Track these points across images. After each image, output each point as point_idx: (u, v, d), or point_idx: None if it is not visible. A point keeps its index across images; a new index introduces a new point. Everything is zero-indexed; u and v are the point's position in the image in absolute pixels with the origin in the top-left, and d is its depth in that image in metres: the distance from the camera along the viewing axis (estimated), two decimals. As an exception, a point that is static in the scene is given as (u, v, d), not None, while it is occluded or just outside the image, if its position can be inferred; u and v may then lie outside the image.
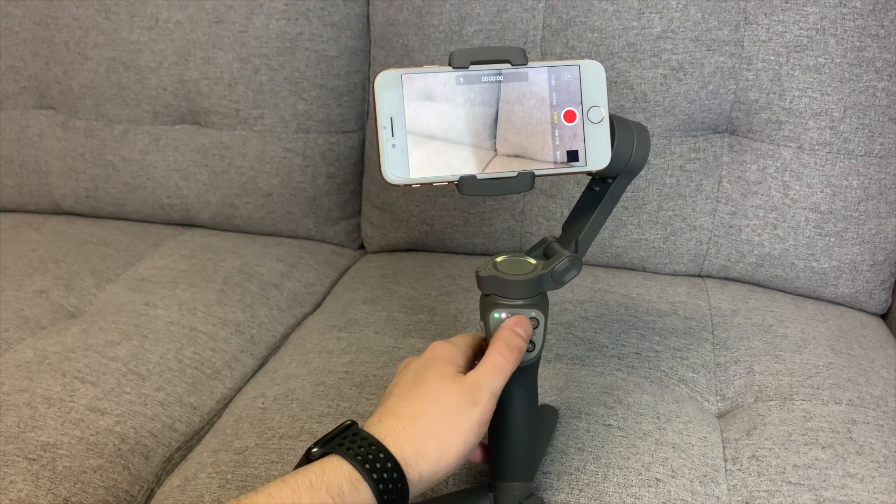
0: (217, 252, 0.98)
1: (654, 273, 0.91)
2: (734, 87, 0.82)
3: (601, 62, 0.50)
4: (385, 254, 1.00)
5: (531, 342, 0.51)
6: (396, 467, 0.43)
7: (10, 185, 1.08)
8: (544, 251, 0.54)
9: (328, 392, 0.68)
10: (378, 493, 0.42)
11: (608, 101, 0.49)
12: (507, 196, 0.90)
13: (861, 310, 0.86)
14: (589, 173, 0.50)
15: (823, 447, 0.61)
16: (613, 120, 0.50)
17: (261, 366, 0.82)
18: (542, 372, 0.71)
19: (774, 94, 0.81)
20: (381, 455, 0.43)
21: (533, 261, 0.52)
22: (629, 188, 0.86)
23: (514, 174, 0.48)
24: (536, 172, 0.48)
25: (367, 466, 0.42)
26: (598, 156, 0.49)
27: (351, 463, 0.42)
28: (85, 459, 0.64)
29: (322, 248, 1.03)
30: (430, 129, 0.47)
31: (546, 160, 0.49)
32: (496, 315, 0.51)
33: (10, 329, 0.81)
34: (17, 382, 0.71)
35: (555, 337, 0.76)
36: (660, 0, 0.80)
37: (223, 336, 0.82)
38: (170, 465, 0.68)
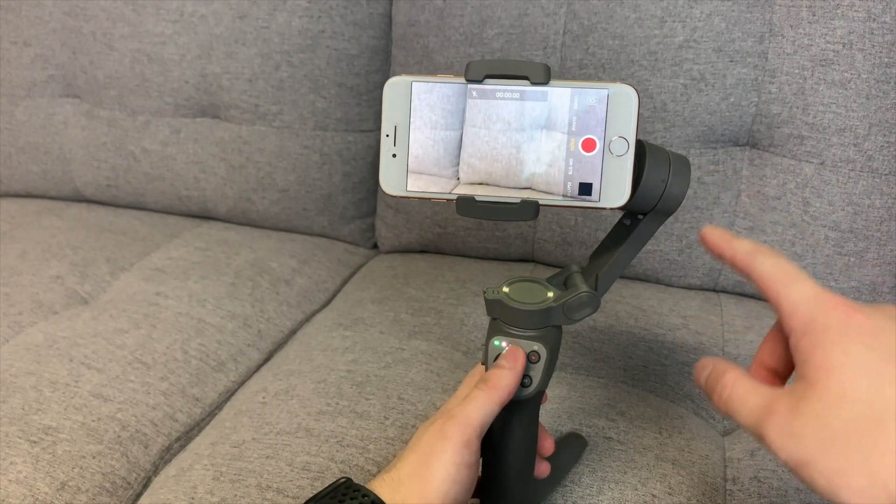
0: (231, 246, 0.98)
1: (668, 286, 0.89)
2: (756, 99, 0.80)
3: (634, 87, 0.44)
4: (397, 254, 1.00)
5: (528, 377, 0.48)
6: None
7: (34, 171, 1.10)
8: (565, 281, 0.50)
9: (328, 390, 0.68)
10: None
11: (637, 130, 0.44)
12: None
13: (880, 333, 0.84)
14: (601, 210, 0.45)
15: (829, 472, 0.60)
16: (647, 149, 0.46)
17: (266, 360, 0.82)
18: (546, 380, 0.70)
19: (798, 108, 0.79)
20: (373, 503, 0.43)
21: (549, 291, 0.48)
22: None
23: (517, 202, 0.44)
24: (541, 202, 0.45)
25: None
26: (614, 192, 0.44)
27: None
28: (85, 444, 0.65)
29: (335, 246, 1.03)
30: (434, 142, 0.45)
31: (554, 190, 0.45)
32: (496, 343, 0.48)
33: (23, 312, 0.82)
34: (26, 365, 0.72)
35: (561, 346, 0.75)
36: (683, 9, 0.79)
37: (231, 329, 0.82)
38: (168, 454, 0.68)
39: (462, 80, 0.44)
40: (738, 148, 0.83)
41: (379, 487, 0.44)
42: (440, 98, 0.45)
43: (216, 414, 0.73)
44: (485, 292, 0.48)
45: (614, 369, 0.72)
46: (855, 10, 0.75)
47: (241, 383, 0.78)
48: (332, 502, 0.44)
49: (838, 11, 0.75)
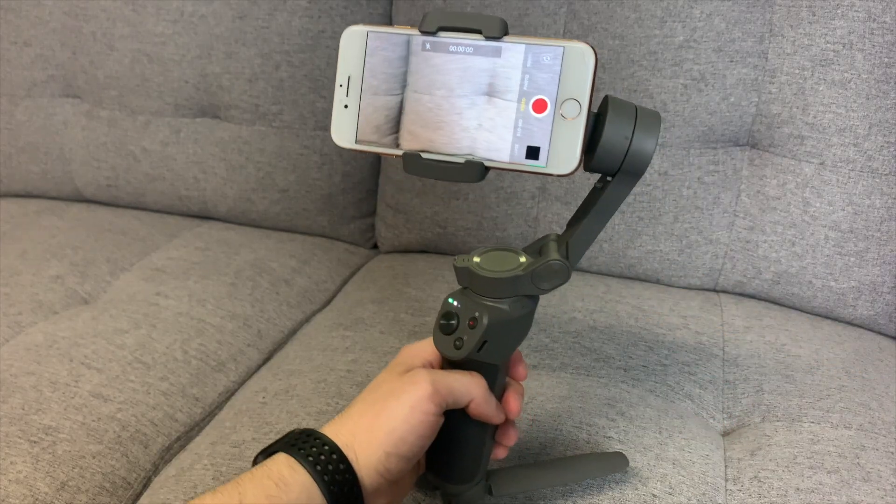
0: (231, 246, 0.98)
1: (668, 286, 0.89)
2: (756, 99, 0.80)
3: (592, 46, 0.42)
4: (397, 254, 1.00)
5: (460, 339, 0.46)
6: (334, 448, 0.43)
7: (34, 172, 1.10)
8: (540, 249, 0.48)
9: (328, 390, 0.68)
10: (316, 473, 0.42)
11: (593, 93, 0.42)
12: (520, 201, 0.89)
13: (880, 333, 0.84)
14: (548, 175, 0.44)
15: (829, 472, 0.60)
16: (609, 103, 0.43)
17: (266, 360, 0.82)
18: (547, 380, 0.70)
19: (798, 108, 0.79)
20: (317, 440, 0.44)
21: (523, 258, 0.47)
22: (645, 198, 0.85)
23: (462, 161, 0.44)
24: (487, 164, 0.43)
25: (302, 451, 0.43)
26: (562, 158, 0.42)
27: (286, 451, 0.44)
28: (85, 444, 0.65)
29: (335, 246, 1.03)
30: (386, 94, 0.44)
31: (501, 152, 0.43)
32: (449, 300, 0.47)
33: (23, 312, 0.82)
34: (26, 365, 0.72)
35: (561, 346, 0.75)
36: (683, 9, 0.79)
37: (231, 329, 0.82)
38: (168, 454, 0.68)
39: (416, 31, 0.44)
40: (738, 148, 0.83)
41: (328, 427, 0.45)
42: (387, 58, 0.44)
43: (216, 414, 0.73)
44: (454, 260, 0.48)
45: (614, 369, 0.72)
46: (855, 10, 0.75)
47: (241, 383, 0.78)
48: (285, 446, 0.44)
49: (838, 11, 0.76)
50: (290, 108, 0.97)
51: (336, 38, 0.94)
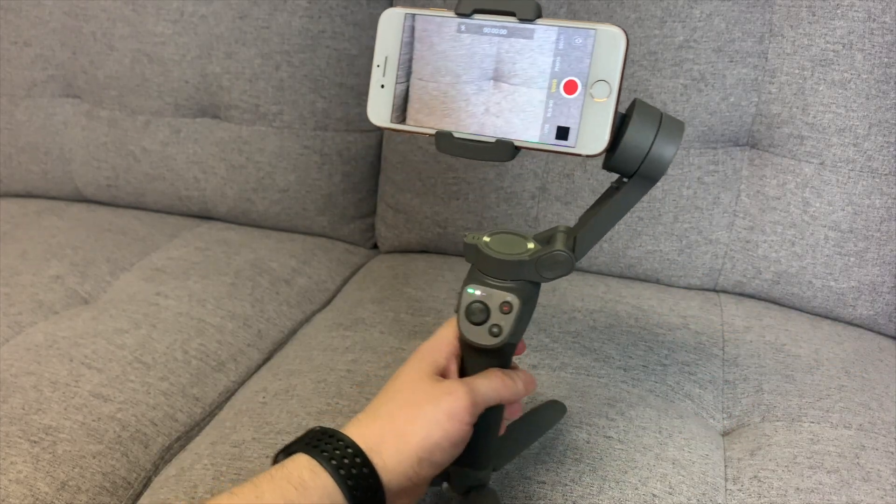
0: (231, 246, 0.98)
1: (668, 286, 0.89)
2: (756, 99, 0.80)
3: (624, 29, 0.42)
4: (398, 254, 1.00)
5: (497, 326, 0.47)
6: (358, 452, 0.43)
7: (34, 171, 1.10)
8: (549, 239, 0.49)
9: (328, 390, 0.68)
10: (339, 477, 0.42)
11: (623, 75, 0.43)
12: (520, 201, 0.89)
13: (879, 333, 0.84)
14: (577, 156, 0.44)
15: (829, 472, 0.60)
16: (637, 105, 0.44)
17: (266, 360, 0.82)
18: (546, 380, 0.70)
19: (798, 108, 0.79)
20: (340, 442, 0.43)
21: (531, 244, 0.48)
22: (645, 198, 0.84)
23: (492, 141, 0.45)
24: (517, 143, 0.44)
25: (325, 453, 0.42)
26: (591, 139, 0.43)
27: (307, 452, 0.43)
28: (85, 444, 0.65)
29: (336, 246, 1.03)
30: (421, 75, 0.45)
31: (531, 132, 0.44)
32: (469, 290, 0.48)
33: (23, 312, 0.82)
34: (26, 365, 0.72)
35: (561, 346, 0.75)
36: (683, 9, 0.79)
37: (231, 329, 0.82)
38: (168, 454, 0.68)
39: (452, 14, 0.45)
40: (738, 148, 0.84)
41: (352, 428, 0.44)
42: (431, 31, 0.45)
43: (216, 414, 0.73)
44: (465, 236, 0.49)
45: (614, 369, 0.72)
46: (855, 10, 0.75)
47: (241, 383, 0.78)
48: (306, 447, 0.43)
49: (838, 11, 0.76)
50: (290, 108, 0.97)
51: (336, 38, 0.94)
